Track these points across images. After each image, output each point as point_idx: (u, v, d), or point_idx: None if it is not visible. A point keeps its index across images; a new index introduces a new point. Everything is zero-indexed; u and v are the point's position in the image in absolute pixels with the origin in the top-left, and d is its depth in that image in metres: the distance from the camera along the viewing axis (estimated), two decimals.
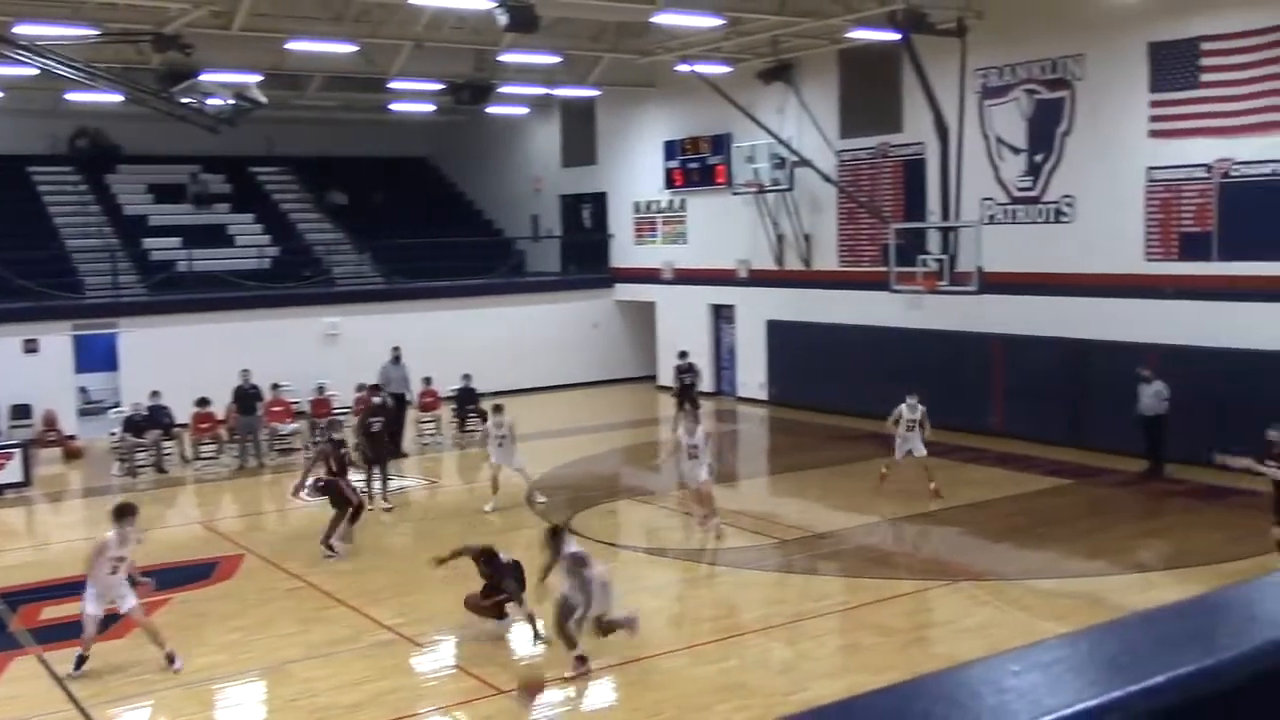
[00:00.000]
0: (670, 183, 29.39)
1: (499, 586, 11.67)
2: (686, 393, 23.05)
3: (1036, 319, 20.93)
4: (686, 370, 23.65)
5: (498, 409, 17.92)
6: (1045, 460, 19.63)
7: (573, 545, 11.11)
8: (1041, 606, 12.53)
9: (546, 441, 22.88)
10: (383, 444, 18.68)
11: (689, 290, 29.23)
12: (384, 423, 19.54)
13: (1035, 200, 21.43)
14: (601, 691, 10.72)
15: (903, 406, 17.32)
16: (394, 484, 18.74)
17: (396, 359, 23.17)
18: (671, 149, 29.16)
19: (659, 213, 30.35)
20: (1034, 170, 21.41)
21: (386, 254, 29.94)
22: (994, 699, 1.48)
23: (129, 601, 11.04)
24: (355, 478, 16.47)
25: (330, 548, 15.05)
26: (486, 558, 11.85)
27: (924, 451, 17.31)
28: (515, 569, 11.82)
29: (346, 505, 15.37)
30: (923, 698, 1.52)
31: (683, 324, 29.22)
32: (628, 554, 15.82)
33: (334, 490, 15.41)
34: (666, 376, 27.00)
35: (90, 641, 10.91)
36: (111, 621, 11.12)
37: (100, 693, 10.60)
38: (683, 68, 25.00)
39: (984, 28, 20.84)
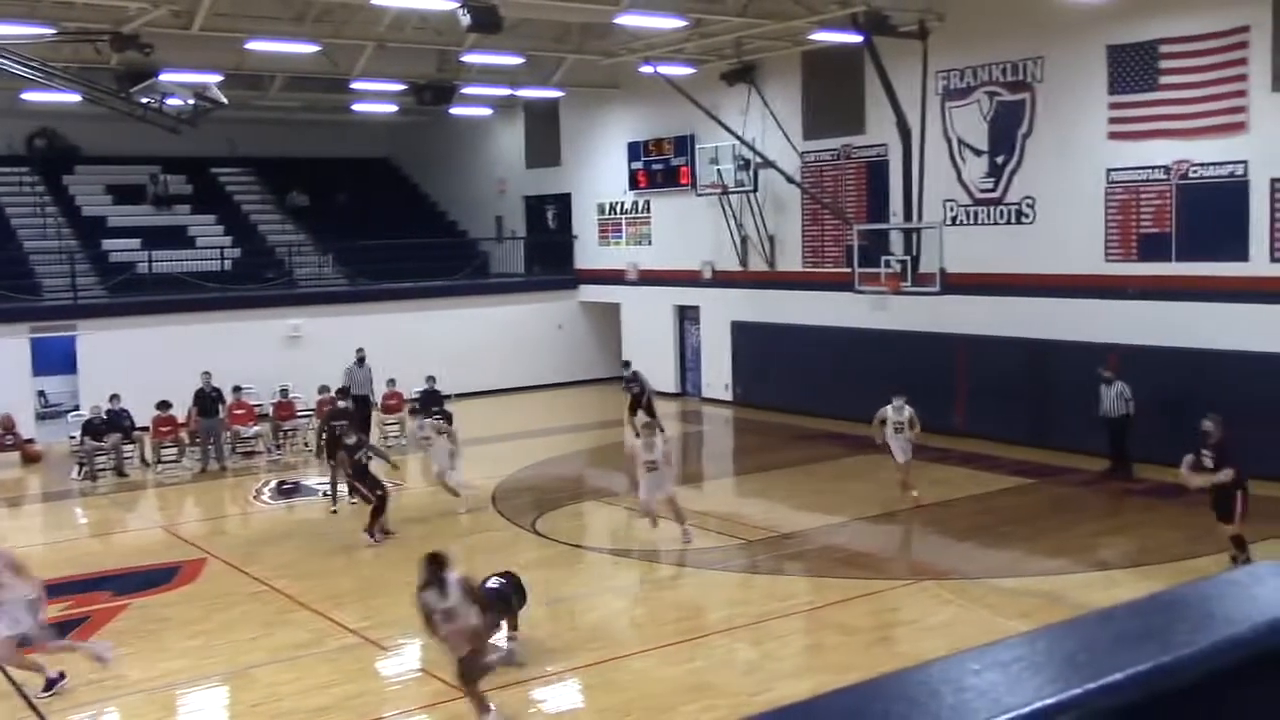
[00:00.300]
0: (634, 184, 29.39)
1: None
2: (636, 403, 22.45)
3: (999, 319, 21.07)
4: (632, 380, 22.88)
5: (414, 410, 17.82)
6: (1008, 460, 19.77)
7: (455, 572, 9.90)
8: (1005, 605, 12.62)
9: (511, 443, 22.83)
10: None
11: (654, 291, 29.23)
12: (346, 425, 19.43)
13: (997, 201, 21.58)
14: (567, 693, 10.71)
15: (887, 408, 16.95)
16: None
17: (361, 360, 23.08)
18: (635, 150, 29.16)
19: (623, 214, 30.34)
20: (995, 172, 21.57)
21: (349, 255, 29.79)
22: (953, 698, 1.49)
23: (21, 625, 10.43)
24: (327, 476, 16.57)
25: (374, 535, 15.70)
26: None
27: (908, 456, 17.04)
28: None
29: (369, 504, 15.94)
30: (883, 697, 1.52)
31: (647, 325, 29.25)
32: (592, 555, 15.84)
33: (356, 494, 16.32)
34: None
35: (7, 660, 10.51)
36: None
37: (59, 699, 10.46)
38: (646, 69, 25.00)
39: (945, 30, 20.97)
